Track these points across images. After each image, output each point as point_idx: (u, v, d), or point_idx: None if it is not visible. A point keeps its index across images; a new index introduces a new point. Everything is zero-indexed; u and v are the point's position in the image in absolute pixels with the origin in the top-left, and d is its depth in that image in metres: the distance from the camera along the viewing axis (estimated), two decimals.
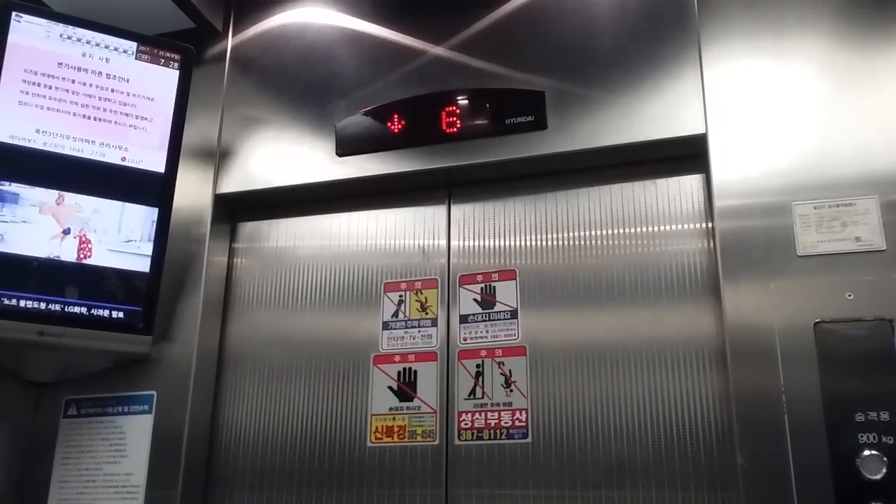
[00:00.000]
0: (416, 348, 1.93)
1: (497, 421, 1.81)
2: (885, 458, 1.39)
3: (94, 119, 1.93)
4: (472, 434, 1.82)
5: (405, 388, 1.91)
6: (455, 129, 1.95)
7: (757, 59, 1.73)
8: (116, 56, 1.98)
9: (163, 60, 2.03)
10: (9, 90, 1.85)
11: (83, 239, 1.86)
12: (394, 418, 1.89)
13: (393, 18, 2.11)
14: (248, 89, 2.20)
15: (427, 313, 1.95)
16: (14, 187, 1.82)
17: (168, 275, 1.98)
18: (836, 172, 1.60)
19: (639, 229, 1.84)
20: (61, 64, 1.92)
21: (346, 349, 1.99)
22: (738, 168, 1.67)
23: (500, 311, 1.89)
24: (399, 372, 1.92)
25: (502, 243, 1.95)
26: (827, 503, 1.41)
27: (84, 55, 1.95)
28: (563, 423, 1.76)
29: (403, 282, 2.00)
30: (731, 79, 1.74)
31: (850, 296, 1.51)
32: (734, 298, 1.59)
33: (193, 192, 2.11)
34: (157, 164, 1.98)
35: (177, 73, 2.04)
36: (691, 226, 1.80)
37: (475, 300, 1.93)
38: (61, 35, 1.93)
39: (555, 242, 1.90)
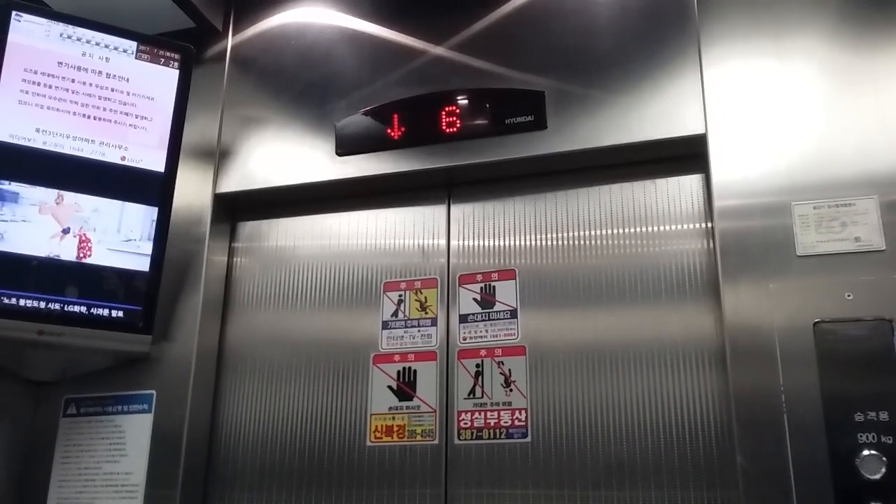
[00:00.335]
0: (416, 348, 1.93)
1: (496, 420, 1.81)
2: (884, 458, 1.39)
3: (94, 118, 1.93)
4: (472, 433, 1.82)
5: (405, 387, 1.91)
6: (455, 129, 1.95)
7: (757, 60, 1.73)
8: (116, 55, 1.98)
9: (163, 60, 2.03)
10: (9, 89, 1.85)
11: (83, 238, 1.86)
12: (393, 418, 1.89)
13: (393, 18, 2.11)
14: (248, 89, 2.20)
15: (427, 313, 1.95)
16: (14, 186, 1.82)
17: (168, 274, 1.97)
18: (836, 173, 1.60)
19: (638, 229, 1.84)
20: (61, 63, 1.92)
21: (345, 349, 1.99)
22: (737, 168, 1.67)
23: (499, 311, 1.89)
24: (399, 371, 1.92)
25: (502, 243, 1.95)
26: (826, 503, 1.41)
27: (84, 54, 1.94)
28: (563, 423, 1.76)
29: (403, 281, 2.00)
30: (730, 79, 1.74)
31: (849, 296, 1.51)
32: (734, 298, 1.59)
33: (193, 191, 2.11)
34: (157, 163, 1.98)
35: (177, 72, 2.04)
36: (691, 226, 1.80)
37: (475, 300, 1.93)
38: (61, 34, 1.93)
39: (554, 242, 1.91)
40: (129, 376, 1.98)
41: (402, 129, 2.00)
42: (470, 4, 2.04)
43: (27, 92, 1.87)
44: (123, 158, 1.94)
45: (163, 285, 1.95)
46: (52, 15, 1.94)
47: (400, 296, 1.99)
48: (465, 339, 1.90)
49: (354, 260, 2.06)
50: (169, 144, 2.00)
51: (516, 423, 1.79)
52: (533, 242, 1.92)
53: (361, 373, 1.95)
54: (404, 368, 1.92)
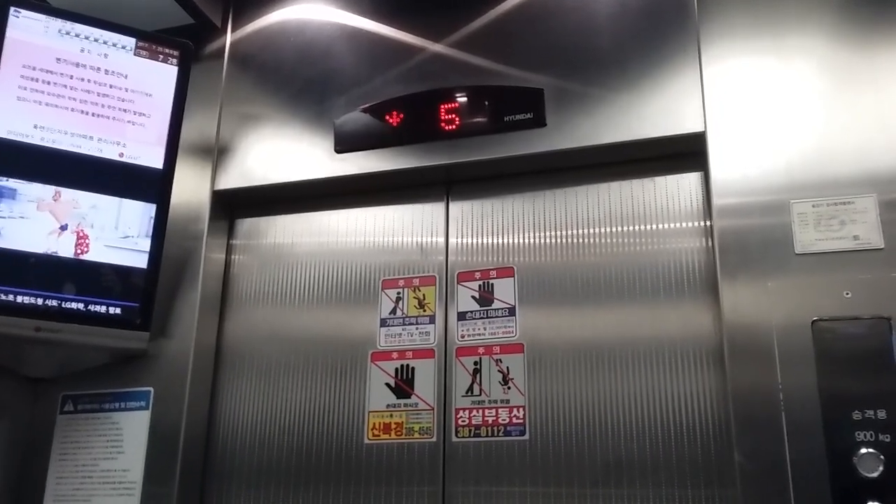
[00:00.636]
0: (414, 345, 1.93)
1: (494, 418, 1.81)
2: (881, 457, 1.39)
3: (93, 115, 1.93)
4: (470, 431, 1.82)
5: (403, 385, 1.91)
6: (454, 127, 1.94)
7: (756, 58, 1.73)
8: (115, 52, 1.98)
9: (161, 56, 2.03)
10: (7, 85, 1.84)
11: (80, 235, 1.86)
12: (391, 415, 1.89)
13: (392, 15, 2.11)
14: (247, 86, 2.20)
15: (425, 310, 1.95)
16: (12, 183, 1.81)
17: (166, 271, 1.97)
18: (835, 171, 1.60)
19: (637, 227, 1.84)
20: (60, 59, 1.91)
21: (343, 346, 1.99)
22: (736, 166, 1.67)
23: (497, 309, 1.89)
24: (397, 369, 1.92)
25: (500, 241, 1.95)
26: (824, 501, 1.41)
27: (82, 51, 1.94)
28: (561, 421, 1.76)
29: (401, 279, 2.00)
30: (730, 77, 1.74)
31: (848, 294, 1.51)
32: (732, 296, 1.59)
33: (191, 188, 2.11)
34: (156, 160, 1.97)
35: (175, 69, 2.03)
36: (690, 224, 1.80)
37: (473, 297, 1.93)
38: (60, 30, 1.92)
39: (553, 240, 1.90)
40: (127, 373, 1.98)
41: (401, 126, 2.00)
42: (469, 1, 2.04)
43: (25, 88, 1.86)
44: (122, 155, 1.94)
45: (161, 282, 1.95)
46: (50, 11, 1.94)
47: (398, 293, 1.99)
48: (463, 336, 1.90)
49: (353, 257, 2.06)
50: (167, 141, 1.99)
51: (514, 420, 1.79)
52: (531, 240, 1.92)
53: (359, 370, 1.95)
54: (402, 366, 1.92)
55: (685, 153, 1.81)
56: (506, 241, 1.95)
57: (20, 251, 1.79)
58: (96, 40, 1.96)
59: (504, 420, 1.80)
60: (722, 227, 1.64)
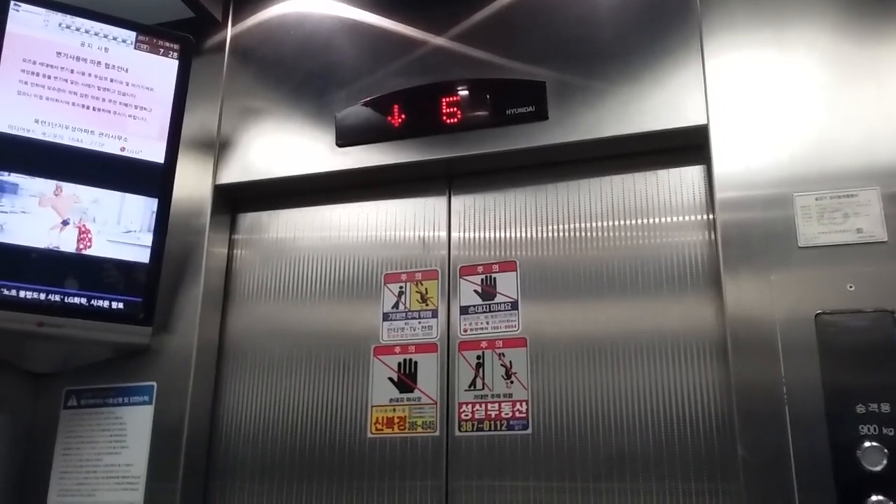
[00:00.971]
0: (417, 339, 1.93)
1: (497, 412, 1.81)
2: (885, 450, 1.39)
3: (93, 109, 1.92)
4: (473, 425, 1.82)
5: (405, 379, 1.91)
6: (455, 120, 1.94)
7: (759, 50, 1.73)
8: (115, 45, 1.97)
9: (162, 50, 2.02)
10: (7, 80, 1.84)
11: (82, 229, 1.86)
12: (394, 409, 1.89)
13: (393, 8, 2.10)
14: (248, 79, 2.20)
15: (427, 304, 1.95)
16: (13, 177, 1.81)
17: (168, 266, 1.97)
18: (838, 164, 1.60)
19: (640, 221, 1.84)
20: (60, 53, 1.91)
21: (346, 340, 1.99)
22: (739, 159, 1.67)
23: (500, 303, 1.89)
24: (399, 363, 1.92)
25: (503, 234, 1.95)
26: (827, 494, 1.41)
27: (83, 44, 1.93)
28: (564, 415, 1.76)
29: (404, 273, 2.00)
30: (732, 70, 1.73)
31: (851, 287, 1.51)
32: (735, 290, 1.59)
33: (193, 182, 2.11)
34: (157, 154, 1.97)
35: (176, 62, 2.03)
36: (692, 217, 1.80)
37: (475, 291, 1.93)
38: (60, 24, 1.92)
39: (555, 234, 1.90)
40: (130, 368, 1.98)
41: (403, 119, 1.99)
42: None
43: (26, 82, 1.86)
44: (123, 149, 1.94)
45: (163, 277, 1.95)
46: (50, 4, 1.93)
47: (401, 287, 1.99)
48: (465, 330, 1.90)
49: (355, 251, 2.06)
50: (168, 135, 1.99)
51: (517, 414, 1.79)
52: (534, 234, 1.92)
53: (362, 364, 1.95)
54: (405, 360, 1.92)
55: (687, 146, 1.80)
56: (508, 234, 1.94)
57: (22, 246, 1.79)
58: (97, 34, 1.95)
59: (507, 414, 1.80)
60: (725, 221, 1.64)
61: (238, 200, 2.22)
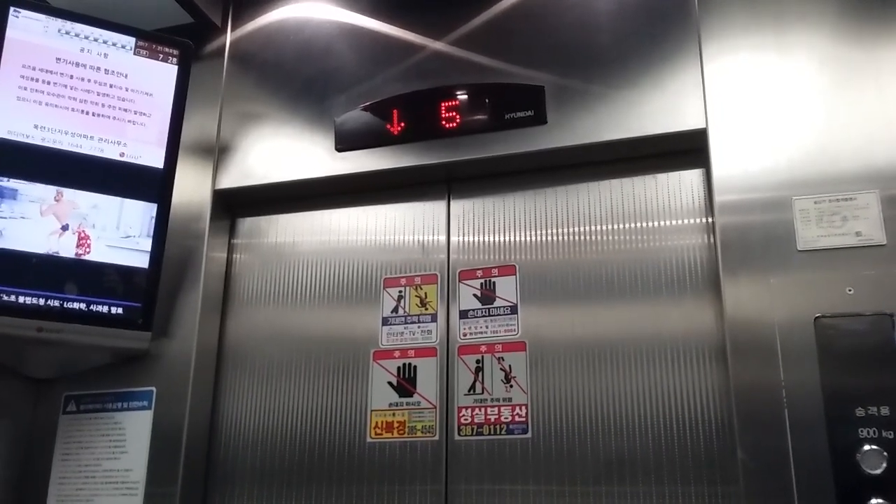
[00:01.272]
0: (416, 344, 1.93)
1: (497, 416, 1.81)
2: (885, 453, 1.39)
3: (93, 114, 1.92)
4: (472, 429, 1.82)
5: (405, 383, 1.91)
6: (454, 125, 1.94)
7: (757, 54, 1.73)
8: (115, 51, 1.98)
9: (161, 56, 2.02)
10: (7, 85, 1.84)
11: (82, 235, 1.86)
12: (393, 414, 1.89)
13: (392, 13, 2.10)
14: (247, 85, 2.20)
15: (427, 309, 1.95)
16: (13, 183, 1.81)
17: (167, 271, 1.97)
18: (837, 167, 1.60)
19: (639, 224, 1.84)
20: (59, 59, 1.91)
21: (345, 345, 1.98)
22: (738, 163, 1.67)
23: (499, 307, 1.89)
24: (399, 367, 1.92)
25: (502, 239, 1.95)
26: (827, 498, 1.41)
27: (82, 50, 1.94)
28: (563, 419, 1.76)
29: (403, 277, 2.00)
30: (731, 73, 1.74)
31: (850, 290, 1.51)
32: (734, 293, 1.59)
33: (192, 187, 2.11)
34: (156, 159, 1.97)
35: (175, 68, 2.03)
36: (691, 221, 1.80)
37: (475, 295, 1.93)
38: (59, 30, 1.92)
39: (555, 238, 1.90)
40: (129, 373, 1.98)
41: (402, 124, 1.99)
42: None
43: (25, 88, 1.86)
44: (122, 155, 1.94)
45: (162, 282, 1.95)
46: (50, 11, 1.93)
47: (400, 292, 1.99)
48: (465, 334, 1.90)
49: (354, 256, 2.06)
50: (168, 140, 1.99)
51: (517, 418, 1.79)
52: (533, 238, 1.92)
53: (361, 369, 1.95)
54: (404, 364, 1.92)
55: (686, 150, 1.80)
56: (507, 238, 1.94)
57: (22, 251, 1.79)
58: (96, 40, 1.96)
59: (506, 418, 1.80)
60: (724, 224, 1.64)
61: (237, 205, 2.22)
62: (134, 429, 1.94)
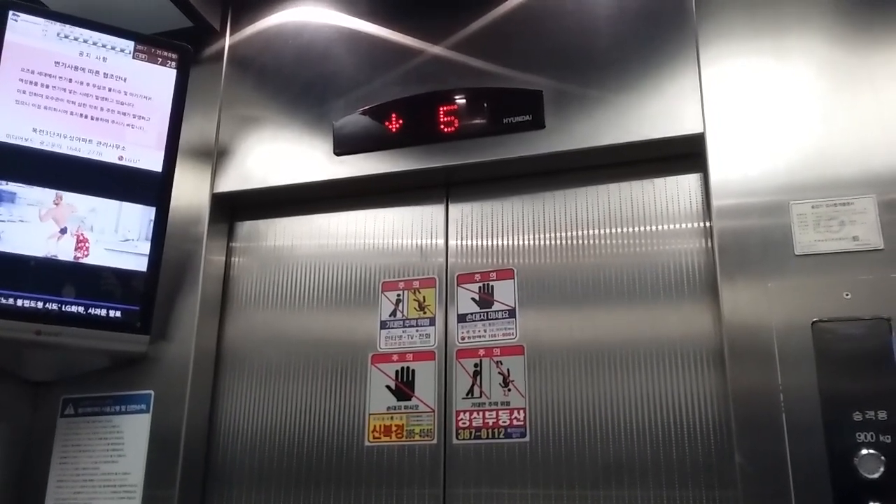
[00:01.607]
0: (414, 347, 1.93)
1: (495, 420, 1.81)
2: (882, 458, 1.39)
3: (92, 118, 1.93)
4: (470, 433, 1.82)
5: (403, 387, 1.91)
6: (453, 129, 1.95)
7: (755, 59, 1.73)
8: (114, 55, 1.98)
9: (160, 59, 2.03)
10: (6, 89, 1.84)
11: (80, 238, 1.86)
12: (392, 417, 1.89)
13: (391, 18, 2.11)
14: (246, 88, 2.20)
15: (425, 312, 1.95)
16: (11, 186, 1.81)
17: (165, 274, 1.97)
18: (834, 172, 1.60)
19: (637, 229, 1.84)
20: (58, 63, 1.91)
21: (343, 348, 1.99)
22: (735, 167, 1.67)
23: (498, 311, 1.89)
24: (397, 371, 1.92)
25: (500, 243, 1.95)
26: (825, 502, 1.41)
27: (81, 54, 1.94)
28: (561, 423, 1.76)
29: (401, 281, 2.00)
30: (729, 78, 1.74)
31: (847, 295, 1.51)
32: (732, 298, 1.59)
33: (191, 191, 2.11)
34: (155, 163, 1.97)
35: (174, 72, 2.03)
36: (689, 225, 1.80)
37: (473, 299, 1.93)
38: (58, 34, 1.92)
39: (553, 242, 1.90)
40: (127, 376, 1.98)
41: (400, 128, 2.00)
42: (468, 4, 2.04)
43: (24, 92, 1.86)
44: (121, 158, 1.94)
45: (160, 285, 1.95)
46: (49, 14, 1.94)
47: (398, 295, 1.99)
48: (463, 338, 1.90)
49: (352, 260, 2.06)
50: (166, 144, 1.99)
51: (515, 422, 1.79)
52: (531, 242, 1.92)
53: (359, 373, 1.95)
54: (402, 368, 1.92)
55: (684, 154, 1.81)
56: (505, 242, 1.95)
57: (20, 255, 1.79)
58: (95, 44, 1.96)
59: (505, 422, 1.80)
60: (721, 229, 1.64)
61: (236, 209, 2.22)
62: (132, 432, 1.94)
